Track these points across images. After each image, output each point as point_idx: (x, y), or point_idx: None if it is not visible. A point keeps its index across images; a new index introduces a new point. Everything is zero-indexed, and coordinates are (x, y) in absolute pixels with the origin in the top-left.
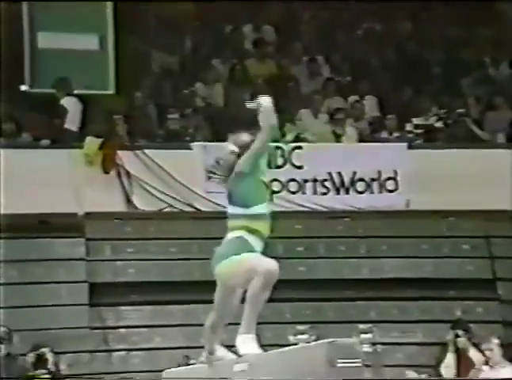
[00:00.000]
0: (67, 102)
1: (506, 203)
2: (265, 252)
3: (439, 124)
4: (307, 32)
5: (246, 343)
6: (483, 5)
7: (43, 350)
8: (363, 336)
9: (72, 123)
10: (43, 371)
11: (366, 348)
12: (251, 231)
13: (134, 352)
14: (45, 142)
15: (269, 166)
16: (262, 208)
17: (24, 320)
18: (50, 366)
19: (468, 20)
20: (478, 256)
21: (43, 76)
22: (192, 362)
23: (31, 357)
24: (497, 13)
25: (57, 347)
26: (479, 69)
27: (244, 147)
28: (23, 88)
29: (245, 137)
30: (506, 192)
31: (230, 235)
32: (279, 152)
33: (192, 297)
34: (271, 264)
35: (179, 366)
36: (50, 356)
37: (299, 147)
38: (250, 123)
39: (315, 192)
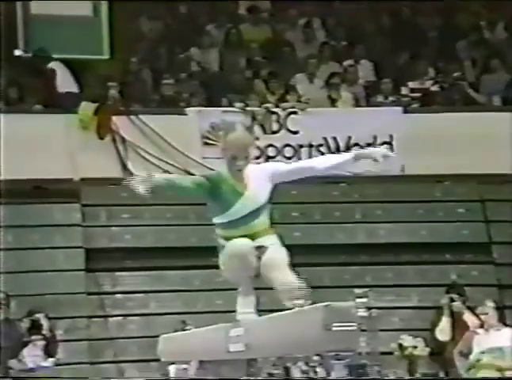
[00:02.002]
0: (55, 65)
1: (502, 166)
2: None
3: (435, 88)
4: None
5: (243, 308)
6: None
7: (37, 315)
8: (358, 300)
9: (68, 85)
10: (39, 337)
11: (361, 312)
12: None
13: (130, 318)
14: (37, 107)
15: (264, 131)
16: (235, 214)
17: (21, 285)
18: (45, 331)
19: None
20: (473, 219)
21: (37, 41)
22: (188, 327)
23: (26, 322)
24: None
25: (53, 313)
26: (474, 32)
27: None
28: (17, 53)
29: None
30: (502, 156)
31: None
32: (274, 117)
33: (188, 262)
34: (233, 246)
35: (175, 331)
36: (44, 322)
37: (295, 112)
38: (244, 87)
39: (310, 157)
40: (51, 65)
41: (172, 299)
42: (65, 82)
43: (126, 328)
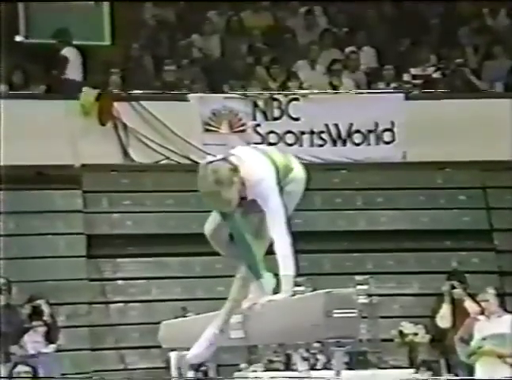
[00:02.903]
0: (68, 52)
1: (503, 153)
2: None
3: (437, 74)
4: None
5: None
6: None
7: (38, 302)
8: (359, 287)
9: (74, 72)
10: (39, 323)
11: (362, 299)
12: None
13: (131, 304)
14: (42, 87)
15: (266, 118)
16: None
17: (23, 271)
18: (46, 317)
19: None
20: (474, 206)
21: (38, 27)
22: (189, 314)
23: (27, 308)
24: None
25: (55, 299)
26: (476, 19)
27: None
28: (18, 39)
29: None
30: (504, 142)
31: None
32: (275, 104)
33: (189, 249)
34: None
35: (176, 318)
36: (45, 308)
37: (296, 99)
38: (246, 73)
39: (311, 144)
40: (65, 51)
41: (173, 286)
42: (73, 70)
43: (127, 314)
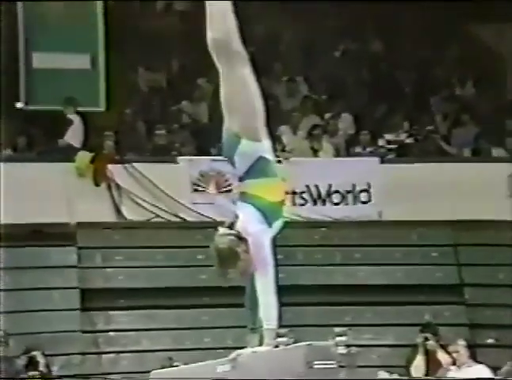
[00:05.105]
0: (74, 118)
1: (472, 213)
2: None
3: (410, 140)
4: (286, 52)
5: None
6: (451, 28)
7: (34, 353)
8: (338, 338)
9: (75, 138)
10: (36, 373)
11: (341, 350)
12: None
13: (123, 354)
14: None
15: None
16: None
17: (19, 324)
18: (41, 368)
19: (436, 42)
20: (446, 263)
21: (38, 94)
22: (175, 363)
23: (23, 359)
24: (463, 35)
25: (50, 350)
26: (446, 88)
27: None
28: (19, 105)
29: None
30: (473, 203)
31: None
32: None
33: (178, 302)
34: None
35: (163, 367)
36: (41, 358)
37: (279, 161)
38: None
39: (294, 203)
40: (71, 116)
41: (162, 337)
42: (74, 135)
43: (119, 364)
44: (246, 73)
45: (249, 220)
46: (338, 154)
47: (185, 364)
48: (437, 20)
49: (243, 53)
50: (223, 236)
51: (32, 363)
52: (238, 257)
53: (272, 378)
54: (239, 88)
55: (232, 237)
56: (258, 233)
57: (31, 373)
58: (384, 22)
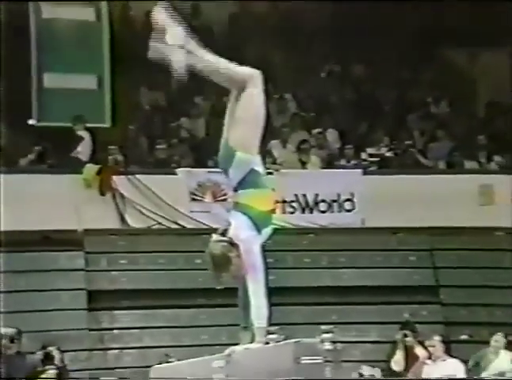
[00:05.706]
0: (84, 134)
1: (447, 220)
2: None
3: (389, 154)
4: (277, 73)
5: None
6: (427, 52)
7: (50, 348)
8: (325, 335)
9: (84, 152)
10: (52, 367)
11: (327, 346)
12: None
13: (126, 350)
14: (46, 168)
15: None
16: None
17: (31, 323)
18: (56, 362)
19: (413, 65)
20: (423, 266)
21: (49, 112)
22: (171, 360)
23: (39, 354)
24: (438, 59)
25: (59, 346)
26: (423, 107)
27: None
28: (31, 122)
29: None
30: (448, 211)
31: None
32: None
33: (177, 303)
34: None
35: (160, 363)
36: (56, 354)
37: (270, 173)
38: None
39: (284, 211)
40: (81, 133)
41: (163, 334)
42: (84, 150)
43: (122, 360)
44: (256, 92)
45: (240, 227)
46: (324, 166)
47: (180, 360)
48: (413, 45)
49: (256, 74)
50: (217, 242)
51: (48, 358)
52: (231, 262)
53: (263, 372)
54: (248, 105)
55: (225, 244)
56: (249, 240)
57: (47, 366)
58: (366, 47)
